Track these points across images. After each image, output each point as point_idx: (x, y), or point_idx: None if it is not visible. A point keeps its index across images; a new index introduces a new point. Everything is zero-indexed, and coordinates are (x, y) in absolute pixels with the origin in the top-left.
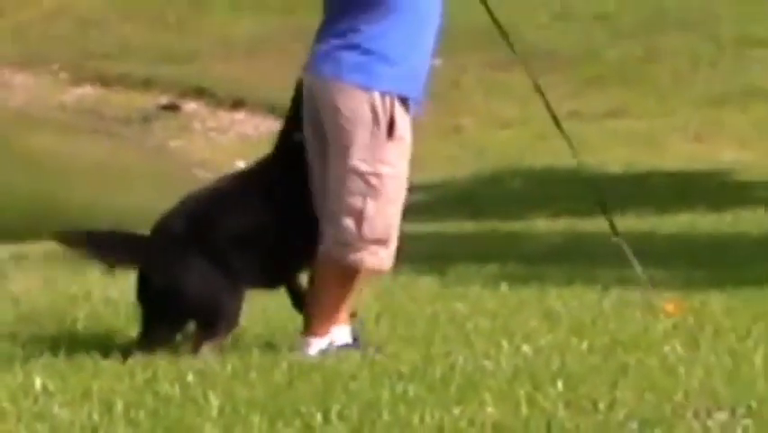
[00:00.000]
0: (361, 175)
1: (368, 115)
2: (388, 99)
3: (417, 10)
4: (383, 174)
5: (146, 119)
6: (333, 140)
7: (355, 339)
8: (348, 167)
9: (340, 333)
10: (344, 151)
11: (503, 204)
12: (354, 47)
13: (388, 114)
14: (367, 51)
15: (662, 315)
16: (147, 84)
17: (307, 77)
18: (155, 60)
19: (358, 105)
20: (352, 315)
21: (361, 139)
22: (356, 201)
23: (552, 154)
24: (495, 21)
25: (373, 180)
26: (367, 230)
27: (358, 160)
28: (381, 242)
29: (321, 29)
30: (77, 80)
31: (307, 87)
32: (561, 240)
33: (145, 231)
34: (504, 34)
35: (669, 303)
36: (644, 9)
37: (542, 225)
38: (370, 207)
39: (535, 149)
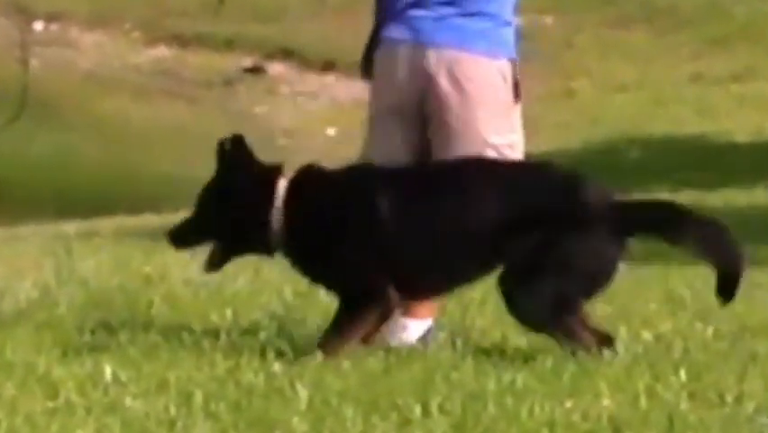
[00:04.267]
0: (496, 148)
1: (498, 83)
2: (510, 64)
3: None
4: (514, 143)
5: (228, 83)
6: (459, 113)
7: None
8: (481, 140)
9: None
10: (474, 124)
11: (619, 175)
12: (473, 14)
13: (513, 78)
14: (488, 17)
15: None
16: (229, 44)
17: (405, 47)
18: (238, 19)
19: (487, 74)
20: None
21: (493, 110)
22: None
23: (672, 121)
24: None
25: (507, 151)
26: None
27: (492, 132)
28: None
29: None
30: (152, 40)
31: (407, 57)
32: None
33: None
34: None
35: None
36: None
37: (662, 197)
38: None
39: (655, 115)
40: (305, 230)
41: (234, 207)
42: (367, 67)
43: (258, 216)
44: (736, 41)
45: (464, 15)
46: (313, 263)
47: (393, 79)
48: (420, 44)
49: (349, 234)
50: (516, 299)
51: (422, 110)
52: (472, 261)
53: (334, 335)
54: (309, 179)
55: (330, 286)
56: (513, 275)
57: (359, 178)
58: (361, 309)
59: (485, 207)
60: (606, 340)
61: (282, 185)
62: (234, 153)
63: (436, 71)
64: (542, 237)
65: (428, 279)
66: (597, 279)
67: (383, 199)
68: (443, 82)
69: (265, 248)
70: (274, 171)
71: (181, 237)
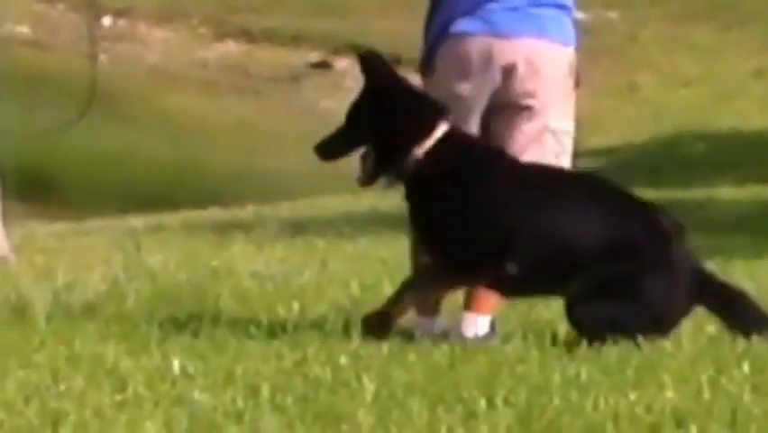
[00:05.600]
0: (556, 134)
1: (567, 70)
2: (575, 52)
3: None
4: (570, 130)
5: (295, 78)
6: (535, 99)
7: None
8: (544, 126)
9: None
10: (545, 108)
11: (684, 169)
12: (545, 4)
13: (576, 67)
14: (558, 7)
15: None
16: (296, 40)
17: (479, 39)
18: (305, 14)
19: (560, 61)
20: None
21: (560, 98)
22: (549, 161)
23: (737, 115)
24: None
25: (565, 139)
26: None
27: (555, 119)
28: None
29: None
30: (220, 35)
31: (482, 49)
32: (747, 209)
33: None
34: None
35: None
36: None
37: (726, 192)
38: (563, 165)
39: (719, 109)
40: (442, 178)
41: (391, 124)
42: (427, 66)
43: (405, 143)
44: None
45: (537, 6)
46: (431, 211)
47: (465, 72)
48: (496, 35)
49: (482, 203)
50: (583, 318)
51: (492, 100)
52: (564, 272)
53: (426, 280)
54: (467, 138)
55: (434, 239)
56: (588, 294)
57: (509, 162)
58: (459, 271)
59: (591, 225)
60: None
61: (442, 128)
62: (385, 72)
63: (515, 60)
64: (624, 271)
65: (524, 275)
66: (659, 326)
67: (518, 187)
68: (522, 70)
69: (396, 173)
70: (439, 110)
71: (329, 148)
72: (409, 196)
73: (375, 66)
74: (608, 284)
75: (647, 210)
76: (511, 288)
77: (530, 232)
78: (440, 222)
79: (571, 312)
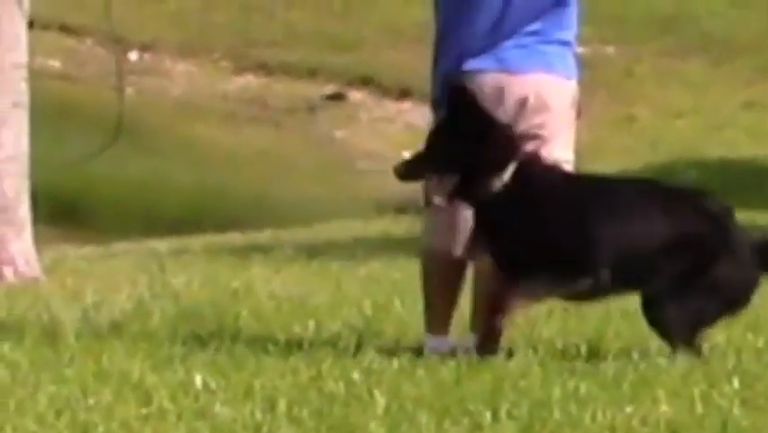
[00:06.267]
0: (559, 163)
1: (571, 103)
2: (577, 85)
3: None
4: (571, 159)
5: (311, 109)
6: (543, 131)
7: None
8: (549, 155)
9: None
10: (550, 140)
11: None
12: (552, 41)
13: (578, 99)
14: (563, 43)
15: None
16: (312, 73)
17: (491, 76)
18: (320, 49)
19: (565, 94)
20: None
21: (565, 129)
22: None
23: (727, 145)
24: None
25: (566, 167)
26: None
27: (559, 149)
28: None
29: (495, 27)
30: (240, 69)
31: (494, 85)
32: None
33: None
34: None
35: None
36: None
37: None
38: None
39: (710, 139)
40: (529, 198)
41: (472, 152)
42: (439, 104)
43: (489, 170)
44: None
45: (544, 42)
46: (526, 229)
47: (498, 105)
48: (508, 71)
49: (572, 217)
50: (663, 315)
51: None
52: (644, 271)
53: (530, 290)
54: (543, 160)
55: (530, 253)
56: (664, 292)
57: (583, 178)
58: (558, 280)
59: (661, 223)
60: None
61: (521, 154)
62: (471, 101)
63: (526, 94)
64: (695, 262)
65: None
66: (737, 305)
67: (597, 198)
68: (533, 103)
69: (480, 193)
70: (517, 137)
71: (410, 170)
72: (494, 218)
73: (462, 98)
74: (685, 278)
75: (700, 199)
76: (598, 293)
77: (615, 238)
78: (535, 238)
79: (653, 311)
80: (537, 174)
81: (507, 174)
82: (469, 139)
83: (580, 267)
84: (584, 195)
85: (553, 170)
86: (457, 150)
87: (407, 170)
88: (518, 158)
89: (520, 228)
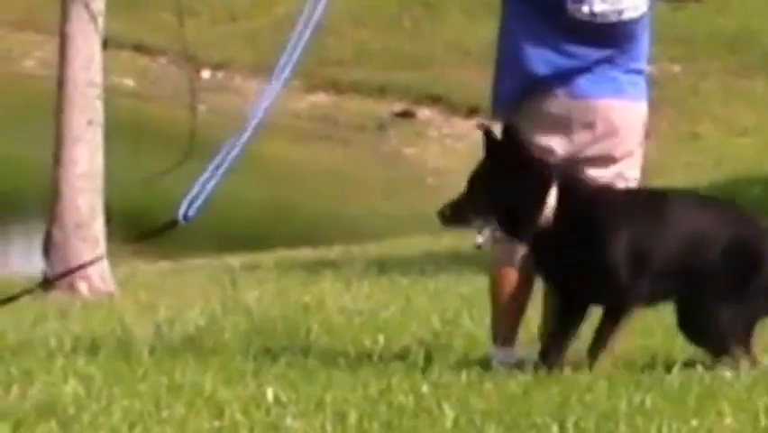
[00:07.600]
0: (627, 180)
1: (639, 125)
2: (646, 106)
3: None
4: (637, 177)
5: (381, 126)
6: (607, 154)
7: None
8: (619, 174)
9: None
10: (619, 160)
11: None
12: (622, 67)
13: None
14: (639, 72)
15: None
16: (381, 91)
17: (564, 98)
18: (390, 67)
19: (636, 118)
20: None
21: (635, 149)
22: None
23: None
24: None
25: (632, 185)
26: None
27: (627, 167)
28: None
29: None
30: (311, 87)
31: (564, 107)
32: None
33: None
34: None
35: None
36: None
37: None
38: None
39: None
40: (574, 230)
41: (508, 189)
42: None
43: (531, 211)
44: None
45: (616, 68)
46: (576, 256)
47: (545, 128)
48: (575, 96)
49: (618, 244)
50: (699, 325)
51: (571, 153)
52: (687, 280)
53: (621, 312)
54: (577, 183)
55: (592, 278)
56: (699, 302)
57: (625, 195)
58: (629, 297)
59: (703, 234)
60: (753, 361)
61: (556, 186)
62: (509, 142)
63: (594, 120)
64: (730, 270)
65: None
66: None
67: (643, 219)
68: (600, 128)
69: (526, 234)
70: (550, 170)
71: (453, 215)
72: (547, 249)
73: (493, 139)
74: (726, 286)
75: (735, 209)
76: (644, 302)
77: (662, 251)
78: (588, 263)
79: (692, 319)
80: (578, 201)
81: (551, 206)
82: (503, 178)
83: (637, 281)
84: (629, 209)
85: (599, 192)
86: (494, 190)
87: (451, 216)
88: (556, 185)
89: (574, 255)
